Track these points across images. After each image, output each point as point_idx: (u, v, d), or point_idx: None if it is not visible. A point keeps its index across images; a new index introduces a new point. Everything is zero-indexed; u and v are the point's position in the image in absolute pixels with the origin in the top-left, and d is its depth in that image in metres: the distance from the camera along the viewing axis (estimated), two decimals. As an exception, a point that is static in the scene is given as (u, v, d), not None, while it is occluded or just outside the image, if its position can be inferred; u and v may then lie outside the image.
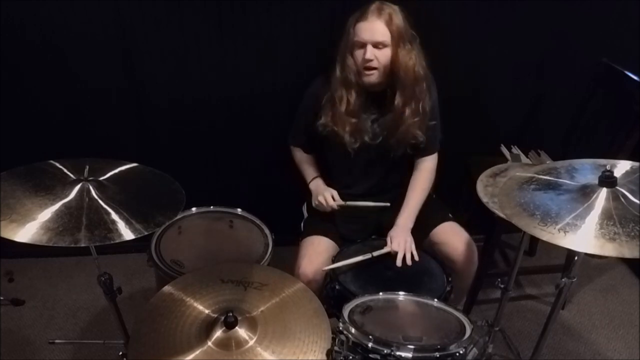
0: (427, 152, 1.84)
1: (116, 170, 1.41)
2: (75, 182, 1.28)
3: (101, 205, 1.24)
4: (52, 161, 1.39)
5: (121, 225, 1.20)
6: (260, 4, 1.95)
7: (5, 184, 1.27)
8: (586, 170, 1.33)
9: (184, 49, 2.02)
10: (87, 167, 1.31)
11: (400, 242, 1.67)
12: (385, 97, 1.70)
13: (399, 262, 1.63)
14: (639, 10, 2.16)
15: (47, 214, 1.19)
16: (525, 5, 2.08)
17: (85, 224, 1.18)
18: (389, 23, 1.58)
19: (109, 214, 1.23)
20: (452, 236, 1.76)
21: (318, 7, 1.96)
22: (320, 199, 1.78)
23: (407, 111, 1.68)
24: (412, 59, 1.63)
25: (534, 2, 2.08)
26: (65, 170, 1.35)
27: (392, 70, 1.64)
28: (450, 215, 1.85)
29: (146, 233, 1.22)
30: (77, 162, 1.36)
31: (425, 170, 1.85)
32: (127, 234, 1.19)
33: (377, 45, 1.59)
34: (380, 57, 1.61)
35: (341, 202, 1.78)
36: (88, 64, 2.02)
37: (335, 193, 1.80)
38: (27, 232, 1.14)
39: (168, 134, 2.22)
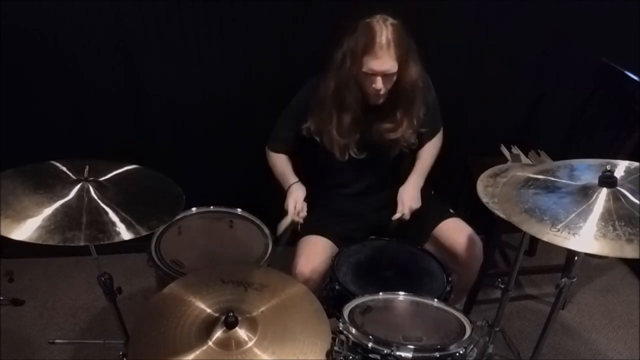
0: (428, 140, 1.91)
1: (118, 171, 1.42)
2: (75, 182, 1.30)
3: (100, 205, 1.25)
4: (53, 162, 1.40)
5: (119, 226, 1.22)
6: (261, 3, 1.95)
7: (7, 182, 1.28)
8: (584, 170, 1.33)
9: (184, 49, 2.02)
10: (87, 167, 1.32)
11: (406, 201, 1.75)
12: (382, 106, 1.70)
13: (406, 216, 1.74)
14: (639, 10, 2.16)
15: (43, 212, 1.20)
16: (525, 5, 2.08)
17: (84, 224, 1.19)
18: (397, 53, 1.56)
19: (106, 213, 1.24)
20: (456, 232, 1.76)
21: (319, 7, 1.97)
22: (292, 201, 1.74)
23: (406, 122, 1.71)
24: (414, 74, 1.64)
25: (534, 2, 2.08)
26: (67, 171, 1.36)
27: (394, 87, 1.65)
28: (451, 210, 1.85)
29: (144, 234, 1.23)
30: (79, 162, 1.37)
31: (431, 142, 1.93)
32: (125, 234, 1.21)
33: (386, 75, 1.60)
34: (388, 83, 1.62)
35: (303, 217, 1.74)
36: (88, 63, 2.01)
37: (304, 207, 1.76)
38: (23, 229, 1.15)
39: (168, 134, 2.22)
